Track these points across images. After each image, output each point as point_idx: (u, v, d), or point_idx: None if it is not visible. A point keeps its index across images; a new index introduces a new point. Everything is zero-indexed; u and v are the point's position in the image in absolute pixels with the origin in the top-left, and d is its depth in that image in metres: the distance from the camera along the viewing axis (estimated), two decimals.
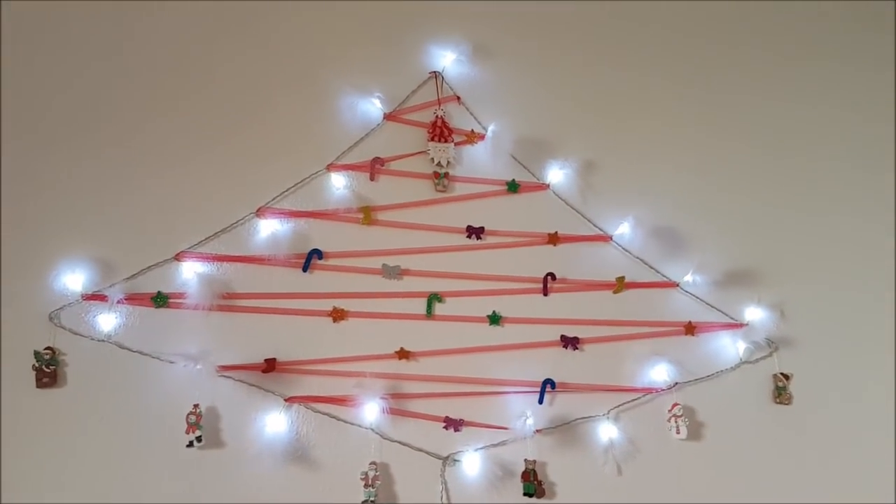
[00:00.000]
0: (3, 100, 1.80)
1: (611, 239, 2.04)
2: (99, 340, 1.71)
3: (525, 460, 1.83)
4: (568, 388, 1.92)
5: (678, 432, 1.92)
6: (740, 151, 2.21)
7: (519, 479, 1.82)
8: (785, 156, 2.24)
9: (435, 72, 2.05)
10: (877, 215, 2.25)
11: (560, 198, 2.05)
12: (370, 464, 1.75)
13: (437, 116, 2.01)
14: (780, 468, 1.99)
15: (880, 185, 2.28)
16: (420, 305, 1.90)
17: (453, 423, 1.83)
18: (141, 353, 1.72)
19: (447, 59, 2.06)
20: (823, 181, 2.25)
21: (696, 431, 1.96)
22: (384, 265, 1.90)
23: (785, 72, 2.31)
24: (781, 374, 2.04)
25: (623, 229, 2.03)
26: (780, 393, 2.03)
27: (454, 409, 1.84)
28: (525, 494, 1.81)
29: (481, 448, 1.83)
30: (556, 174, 2.05)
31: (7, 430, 1.64)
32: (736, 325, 2.05)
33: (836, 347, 2.12)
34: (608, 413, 1.92)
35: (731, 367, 2.03)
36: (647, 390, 1.95)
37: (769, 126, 2.26)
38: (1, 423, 1.64)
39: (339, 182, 1.93)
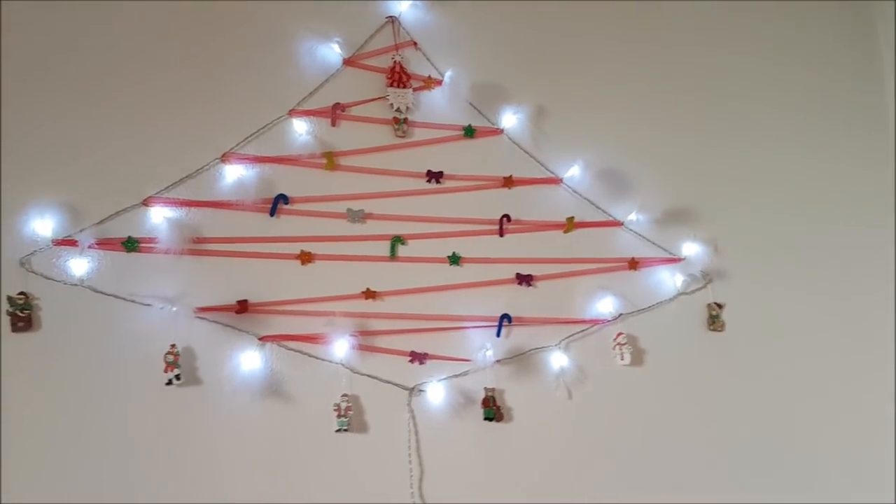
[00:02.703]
0: None
1: (561, 181, 2.12)
2: (72, 285, 1.71)
3: (485, 388, 1.94)
4: (523, 321, 2.02)
5: (622, 359, 2.05)
6: (679, 99, 2.30)
7: (479, 405, 1.93)
8: (719, 103, 2.33)
9: (391, 17, 2.05)
10: (801, 158, 2.38)
11: (514, 142, 2.11)
12: (342, 396, 1.83)
13: (394, 62, 2.02)
14: (712, 389, 2.14)
15: (806, 128, 2.40)
16: (384, 248, 1.96)
17: (418, 357, 1.91)
18: (115, 296, 1.73)
19: (403, 5, 2.06)
20: (754, 126, 2.35)
21: (638, 358, 2.09)
22: (349, 209, 1.94)
23: (723, 22, 2.40)
24: (715, 303, 2.18)
25: (573, 172, 2.11)
26: (714, 321, 2.17)
27: (418, 343, 1.92)
28: (485, 419, 1.92)
29: (444, 379, 1.92)
30: (510, 119, 2.10)
31: None
32: (674, 260, 2.17)
33: (764, 279, 2.25)
34: (559, 343, 2.03)
35: (670, 299, 2.16)
36: (595, 321, 2.07)
37: (705, 75, 2.34)
38: None
39: (300, 127, 1.94)
